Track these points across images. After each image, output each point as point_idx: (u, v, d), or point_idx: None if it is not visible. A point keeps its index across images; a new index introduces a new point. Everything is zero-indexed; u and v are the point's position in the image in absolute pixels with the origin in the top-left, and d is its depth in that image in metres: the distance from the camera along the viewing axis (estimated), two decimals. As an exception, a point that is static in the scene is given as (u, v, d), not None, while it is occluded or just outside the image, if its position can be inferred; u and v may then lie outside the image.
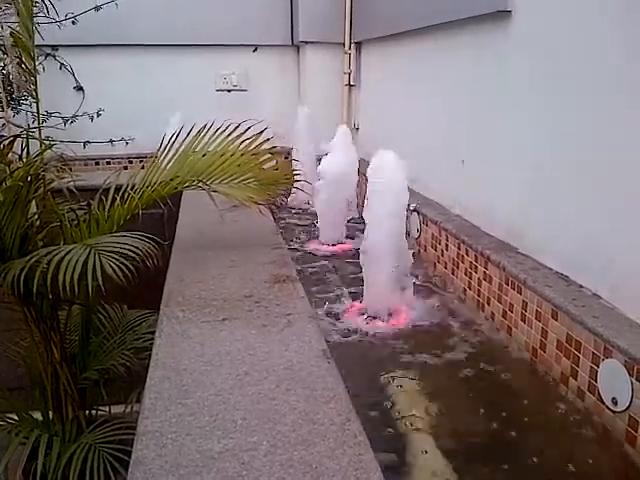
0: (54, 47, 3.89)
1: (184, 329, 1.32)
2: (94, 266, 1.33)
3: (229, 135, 1.78)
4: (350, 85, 4.06)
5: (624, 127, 1.47)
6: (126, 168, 4.11)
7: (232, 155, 1.77)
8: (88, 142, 3.96)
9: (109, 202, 1.80)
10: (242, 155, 1.75)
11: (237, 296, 1.50)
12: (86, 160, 4.04)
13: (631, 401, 1.30)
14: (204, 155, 1.78)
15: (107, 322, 2.32)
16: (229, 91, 4.29)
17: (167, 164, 1.77)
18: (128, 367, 2.14)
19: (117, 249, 1.39)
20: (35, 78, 1.78)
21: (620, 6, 1.48)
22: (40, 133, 1.80)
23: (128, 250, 1.39)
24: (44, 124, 3.12)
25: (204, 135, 1.80)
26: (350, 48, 3.98)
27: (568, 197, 1.71)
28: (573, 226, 1.69)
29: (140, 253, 1.37)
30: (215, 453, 0.88)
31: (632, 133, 1.44)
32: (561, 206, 1.75)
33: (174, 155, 1.77)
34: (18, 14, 1.73)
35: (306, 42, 4.08)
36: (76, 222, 1.81)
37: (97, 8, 3.74)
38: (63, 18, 3.59)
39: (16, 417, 2.09)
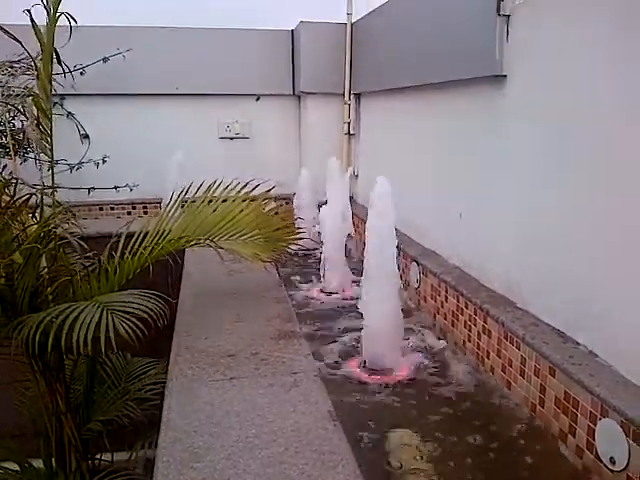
0: (62, 97, 3.99)
1: (193, 388, 1.36)
2: (107, 326, 1.38)
3: (238, 192, 1.85)
4: (350, 134, 4.17)
5: (621, 186, 1.52)
6: (129, 213, 4.18)
7: (240, 212, 1.84)
8: (93, 188, 4.03)
9: (118, 255, 1.85)
10: (249, 214, 1.81)
11: (244, 353, 1.54)
12: (90, 206, 4.11)
13: (628, 461, 1.33)
14: (214, 211, 1.85)
15: (111, 372, 2.34)
16: (232, 139, 4.39)
17: (175, 222, 1.83)
18: (132, 418, 2.15)
19: (129, 309, 1.44)
20: (51, 138, 1.84)
21: (614, 67, 1.55)
22: (54, 194, 1.85)
23: (140, 310, 1.43)
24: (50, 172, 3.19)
25: (212, 192, 1.87)
26: (349, 99, 4.10)
27: (563, 255, 1.77)
28: (568, 282, 1.74)
29: (152, 314, 1.42)
30: (228, 519, 0.92)
31: (628, 189, 1.49)
32: (556, 263, 1.80)
33: (182, 214, 1.83)
34: (38, 77, 1.80)
35: (307, 92, 4.20)
36: (86, 275, 1.85)
37: (105, 60, 3.86)
38: (72, 69, 3.69)
39: (18, 467, 2.10)
